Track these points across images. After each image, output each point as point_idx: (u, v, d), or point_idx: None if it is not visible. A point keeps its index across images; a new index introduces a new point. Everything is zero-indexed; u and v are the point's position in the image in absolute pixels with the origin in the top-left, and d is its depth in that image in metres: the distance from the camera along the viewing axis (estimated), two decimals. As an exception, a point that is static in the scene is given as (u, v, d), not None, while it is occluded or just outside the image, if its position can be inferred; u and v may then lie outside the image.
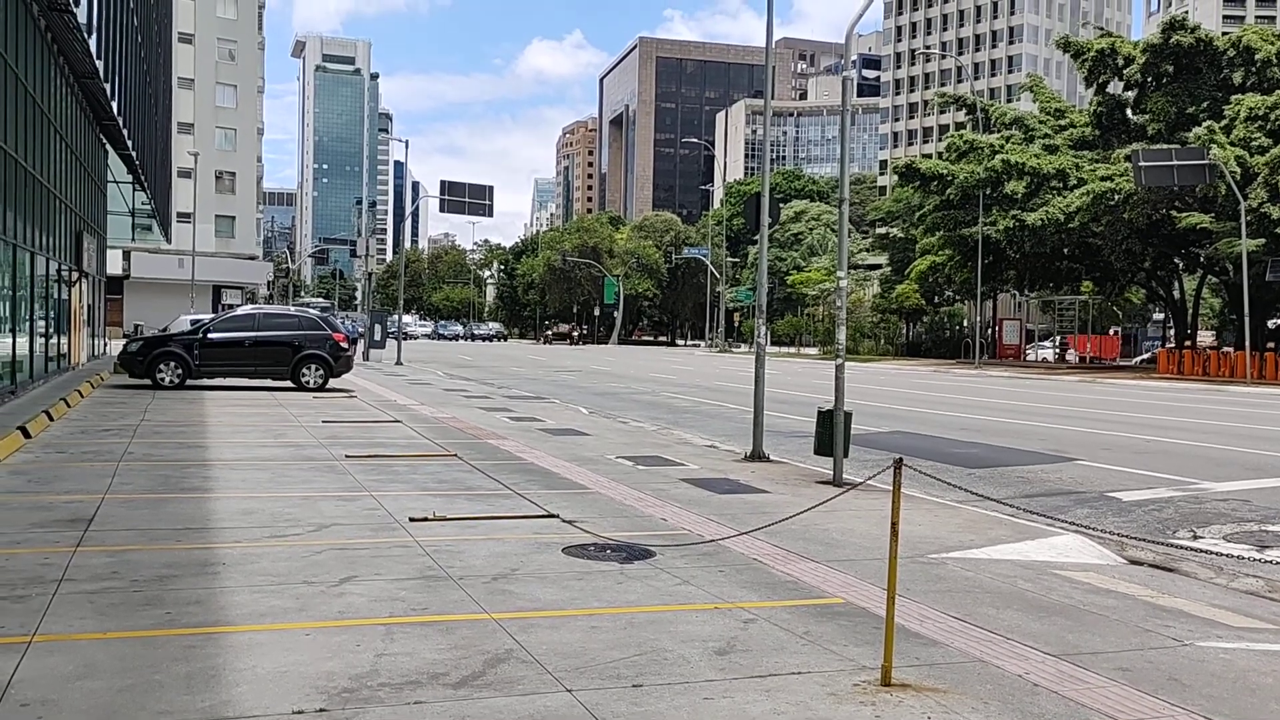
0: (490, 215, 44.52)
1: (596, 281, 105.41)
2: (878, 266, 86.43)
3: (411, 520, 8.85)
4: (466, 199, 43.12)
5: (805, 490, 11.30)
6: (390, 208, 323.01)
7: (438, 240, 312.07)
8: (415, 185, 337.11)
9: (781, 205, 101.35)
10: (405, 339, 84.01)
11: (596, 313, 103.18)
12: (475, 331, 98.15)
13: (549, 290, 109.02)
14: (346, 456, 12.78)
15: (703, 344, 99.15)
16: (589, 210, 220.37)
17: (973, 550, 8.53)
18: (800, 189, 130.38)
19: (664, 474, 12.23)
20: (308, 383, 23.96)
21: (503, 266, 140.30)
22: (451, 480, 11.21)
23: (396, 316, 46.16)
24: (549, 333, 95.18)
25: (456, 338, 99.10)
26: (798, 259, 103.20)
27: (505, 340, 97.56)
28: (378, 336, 43.45)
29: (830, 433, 12.03)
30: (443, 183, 43.68)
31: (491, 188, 44.02)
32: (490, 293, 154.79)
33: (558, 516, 9.21)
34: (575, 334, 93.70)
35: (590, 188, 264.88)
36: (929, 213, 56.46)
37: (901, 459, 5.74)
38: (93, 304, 33.58)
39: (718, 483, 11.66)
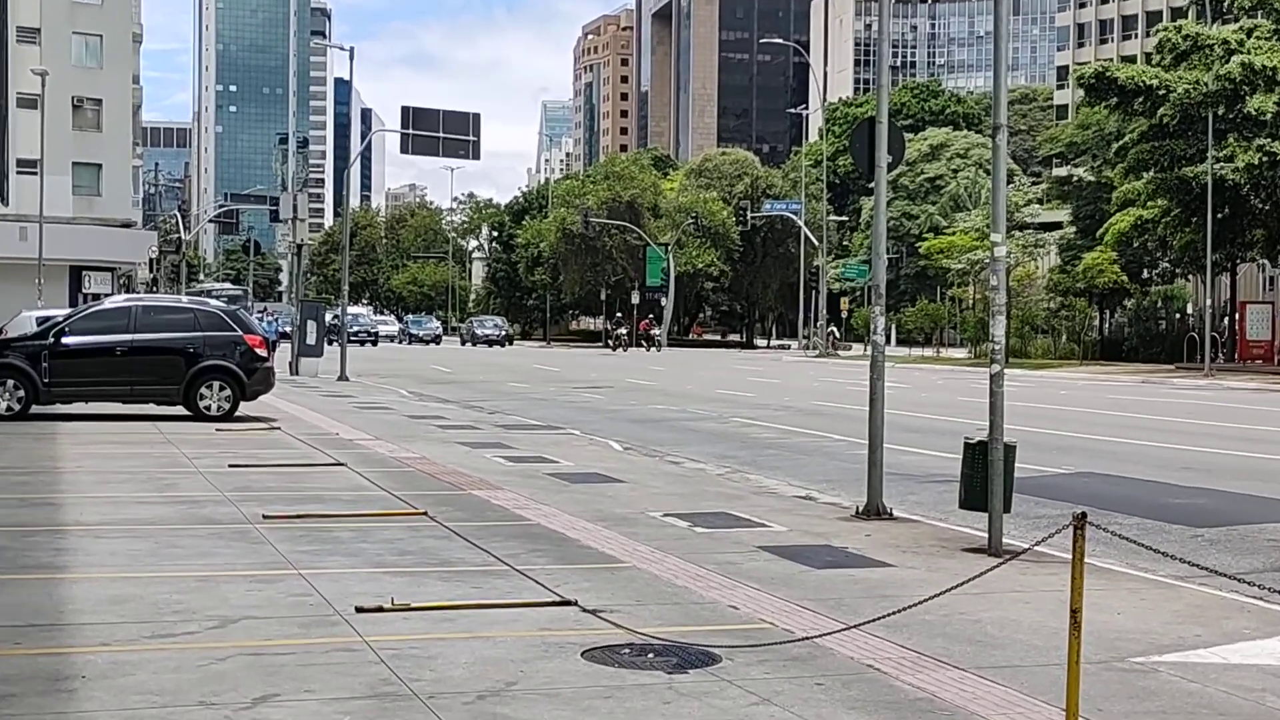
0: (477, 157, 44.72)
1: (635, 253, 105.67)
2: (1055, 226, 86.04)
3: (359, 611, 8.89)
4: (441, 134, 43.35)
5: (945, 562, 11.24)
6: (329, 148, 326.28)
7: (401, 195, 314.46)
8: (366, 114, 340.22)
9: (910, 136, 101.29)
10: (363, 342, 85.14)
11: (635, 300, 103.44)
12: (478, 331, 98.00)
13: (564, 267, 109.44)
14: (264, 517, 12.88)
15: (794, 343, 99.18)
16: (622, 148, 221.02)
17: (1199, 651, 8.44)
18: (938, 111, 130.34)
19: (734, 539, 12.21)
20: (209, 408, 24.21)
21: (496, 233, 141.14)
22: (419, 551, 11.25)
23: (340, 308, 46.48)
24: (619, 332, 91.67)
25: (437, 339, 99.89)
26: (935, 216, 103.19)
27: (510, 344, 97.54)
28: (312, 339, 43.82)
29: (983, 476, 11.96)
30: (406, 110, 43.91)
31: (478, 116, 44.24)
32: (478, 272, 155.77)
33: (575, 603, 9.22)
34: (621, 332, 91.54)
35: (624, 114, 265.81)
36: (1132, 144, 56.08)
37: (1085, 514, 5.71)
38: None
39: (815, 552, 11.63)
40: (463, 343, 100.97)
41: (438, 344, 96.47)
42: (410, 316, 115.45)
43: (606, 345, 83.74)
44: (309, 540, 11.67)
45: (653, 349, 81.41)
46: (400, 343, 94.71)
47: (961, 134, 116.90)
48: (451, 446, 20.65)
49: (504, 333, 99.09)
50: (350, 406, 29.81)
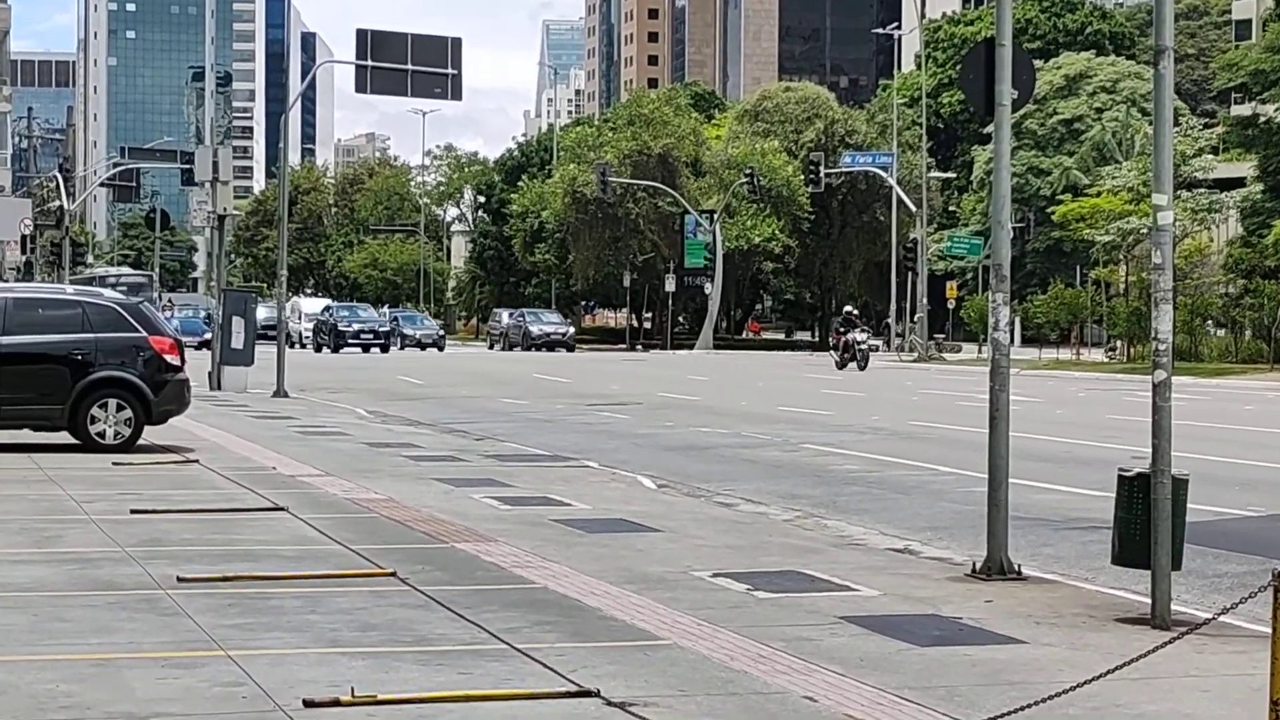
0: (458, 97, 44.66)
1: (669, 225, 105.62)
2: (1236, 183, 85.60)
3: (308, 705, 8.89)
4: (410, 65, 43.32)
5: (1094, 637, 11.17)
6: (260, 87, 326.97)
7: (356, 149, 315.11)
8: (309, 41, 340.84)
9: (1039, 64, 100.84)
10: (368, 347, 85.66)
11: (670, 288, 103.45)
12: (534, 329, 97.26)
13: (574, 243, 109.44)
14: (180, 580, 12.88)
15: (881, 343, 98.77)
16: (651, 83, 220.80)
17: None
18: (1075, 31, 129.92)
19: (808, 607, 12.19)
20: (103, 435, 24.24)
21: (483, 199, 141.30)
22: (386, 624, 11.25)
23: (275, 298, 46.56)
24: (854, 338, 70.10)
25: (439, 344, 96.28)
26: (1073, 171, 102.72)
27: (575, 348, 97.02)
28: (239, 341, 43.88)
29: (1144, 521, 11.88)
30: (363, 35, 43.87)
31: (458, 42, 44.22)
32: (458, 250, 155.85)
33: (598, 694, 9.20)
34: (861, 338, 70.68)
35: (653, 37, 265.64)
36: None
37: (1289, 572, 5.66)
38: None
39: (917, 624, 11.59)
40: (493, 345, 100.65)
41: (440, 349, 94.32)
42: (392, 313, 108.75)
43: (834, 355, 71.69)
44: (240, 610, 11.64)
45: (851, 364, 69.14)
46: (386, 350, 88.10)
47: (1108, 60, 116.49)
48: (427, 484, 20.63)
49: (570, 330, 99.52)
50: (291, 431, 29.81)
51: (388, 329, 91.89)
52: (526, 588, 12.88)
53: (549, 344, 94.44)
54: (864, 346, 67.58)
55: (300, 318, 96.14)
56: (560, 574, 13.53)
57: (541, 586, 12.91)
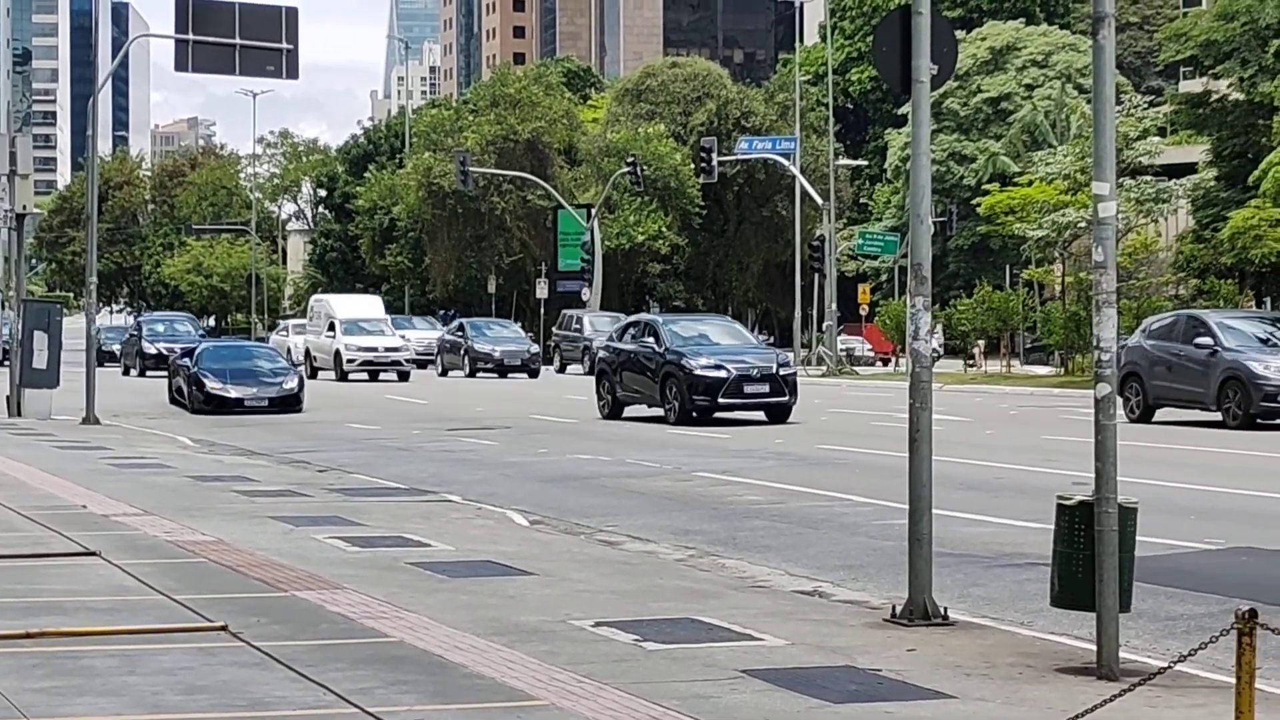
0: (294, 76, 44.50)
1: (539, 221, 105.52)
2: (1186, 169, 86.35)
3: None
4: (238, 39, 43.17)
5: (1032, 690, 11.23)
6: (64, 64, 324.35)
7: (176, 136, 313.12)
8: (121, 12, 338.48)
9: (962, 35, 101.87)
10: (375, 374, 69.48)
11: (542, 294, 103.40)
12: (498, 351, 78.12)
13: (431, 243, 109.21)
14: (-27, 638, 12.75)
15: (789, 353, 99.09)
16: (517, 58, 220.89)
17: None
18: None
19: (705, 659, 12.19)
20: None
21: (324, 193, 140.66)
22: (216, 687, 11.18)
23: (85, 309, 46.14)
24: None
25: (400, 364, 73.04)
26: (1001, 157, 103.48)
27: (536, 376, 76.90)
28: (41, 360, 43.50)
29: (1088, 556, 11.96)
30: (183, 5, 43.66)
31: (294, 12, 44.08)
32: (296, 252, 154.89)
33: (464, 764, 9.18)
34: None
35: (519, 6, 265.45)
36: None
37: (1254, 611, 5.73)
38: None
39: (830, 677, 11.62)
40: (473, 370, 78.03)
41: (405, 380, 73.00)
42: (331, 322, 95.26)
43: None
44: (46, 672, 11.53)
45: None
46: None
47: (1039, 30, 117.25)
48: (263, 523, 20.52)
49: (533, 349, 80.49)
50: (104, 463, 29.55)
51: (393, 351, 73.83)
52: (379, 642, 12.83)
53: (501, 368, 77.07)
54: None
55: (335, 328, 75.29)
56: (418, 625, 13.48)
57: (397, 640, 12.86)
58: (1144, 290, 69.32)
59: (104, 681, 11.31)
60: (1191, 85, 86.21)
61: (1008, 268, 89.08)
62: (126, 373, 79.43)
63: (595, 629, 13.41)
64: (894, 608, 13.99)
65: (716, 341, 42.60)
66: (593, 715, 10.41)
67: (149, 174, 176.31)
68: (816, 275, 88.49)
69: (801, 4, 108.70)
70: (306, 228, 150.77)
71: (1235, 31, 69.57)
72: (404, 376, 70.58)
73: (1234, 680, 7.62)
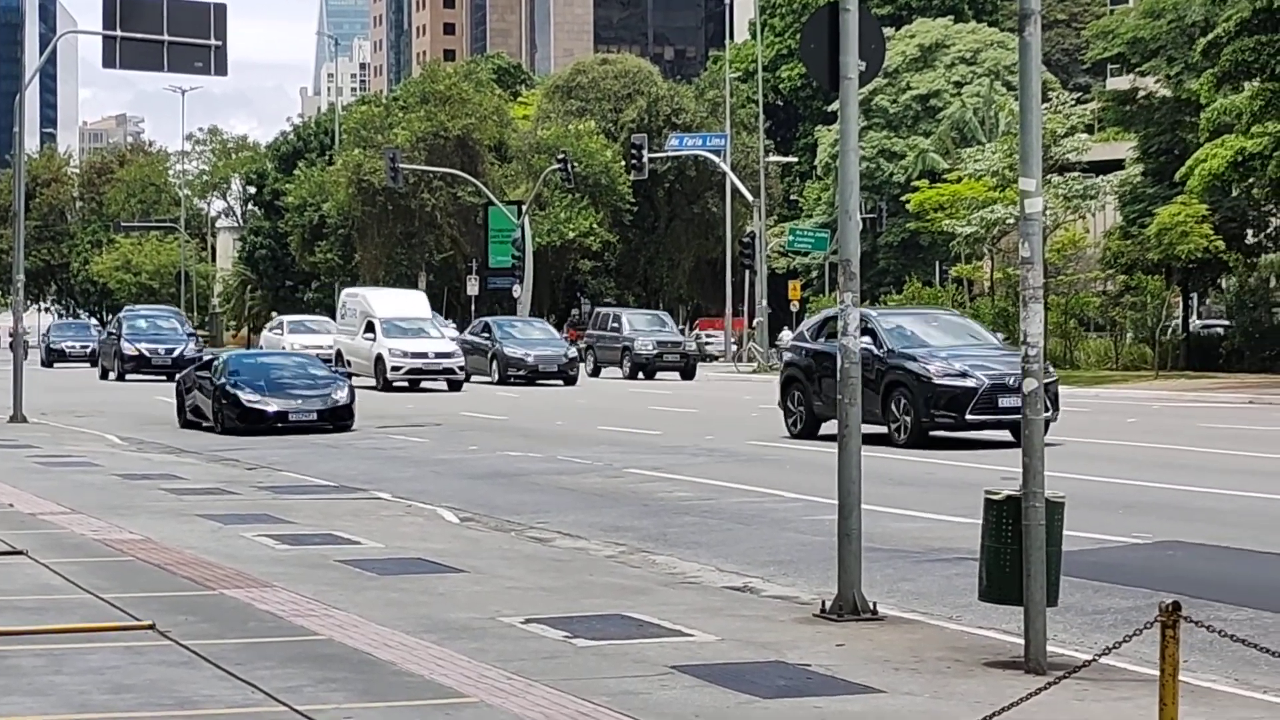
0: (223, 72, 44.36)
1: (470, 218, 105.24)
2: (1114, 165, 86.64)
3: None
4: (166, 35, 43.00)
5: (960, 684, 11.27)
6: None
7: (105, 133, 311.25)
8: (48, 7, 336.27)
9: (890, 33, 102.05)
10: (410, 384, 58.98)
11: (473, 291, 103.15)
12: (534, 356, 66.12)
13: (361, 240, 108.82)
14: (-101, 638, 12.68)
15: (718, 351, 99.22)
16: (448, 55, 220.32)
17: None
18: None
19: (635, 655, 12.23)
20: None
21: (254, 190, 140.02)
22: (144, 686, 11.13)
23: (11, 307, 45.92)
24: None
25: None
26: (930, 154, 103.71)
27: (574, 383, 65.45)
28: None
29: (1015, 550, 12.02)
30: (110, 0, 43.52)
31: (223, 8, 43.93)
32: (225, 250, 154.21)
33: (392, 762, 9.17)
34: None
35: (449, 3, 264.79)
36: (1227, 37, 56.65)
37: (1178, 604, 5.77)
38: None
39: (760, 672, 11.63)
40: (504, 377, 66.21)
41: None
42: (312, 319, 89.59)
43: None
44: (-30, 673, 11.45)
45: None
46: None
47: (968, 28, 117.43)
48: (191, 522, 20.46)
49: (570, 352, 68.71)
50: (31, 462, 29.40)
51: (439, 356, 62.25)
52: (308, 640, 12.81)
53: (533, 374, 65.64)
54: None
55: (375, 329, 63.75)
56: (348, 623, 13.47)
57: (326, 638, 12.85)
58: (1072, 286, 69.56)
59: (30, 681, 11.27)
60: (1119, 82, 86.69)
61: (937, 264, 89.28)
62: (105, 375, 72.31)
63: (525, 626, 13.42)
64: (824, 603, 14.04)
65: (951, 341, 34.42)
66: (522, 712, 10.41)
67: (77, 171, 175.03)
68: (747, 272, 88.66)
69: (732, 1, 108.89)
70: (236, 225, 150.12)
71: (1162, 29, 69.84)
72: (455, 386, 60.04)
73: (1158, 673, 7.70)
